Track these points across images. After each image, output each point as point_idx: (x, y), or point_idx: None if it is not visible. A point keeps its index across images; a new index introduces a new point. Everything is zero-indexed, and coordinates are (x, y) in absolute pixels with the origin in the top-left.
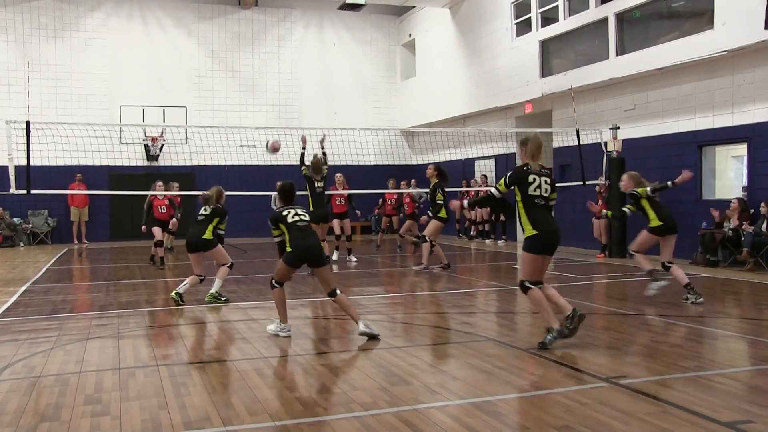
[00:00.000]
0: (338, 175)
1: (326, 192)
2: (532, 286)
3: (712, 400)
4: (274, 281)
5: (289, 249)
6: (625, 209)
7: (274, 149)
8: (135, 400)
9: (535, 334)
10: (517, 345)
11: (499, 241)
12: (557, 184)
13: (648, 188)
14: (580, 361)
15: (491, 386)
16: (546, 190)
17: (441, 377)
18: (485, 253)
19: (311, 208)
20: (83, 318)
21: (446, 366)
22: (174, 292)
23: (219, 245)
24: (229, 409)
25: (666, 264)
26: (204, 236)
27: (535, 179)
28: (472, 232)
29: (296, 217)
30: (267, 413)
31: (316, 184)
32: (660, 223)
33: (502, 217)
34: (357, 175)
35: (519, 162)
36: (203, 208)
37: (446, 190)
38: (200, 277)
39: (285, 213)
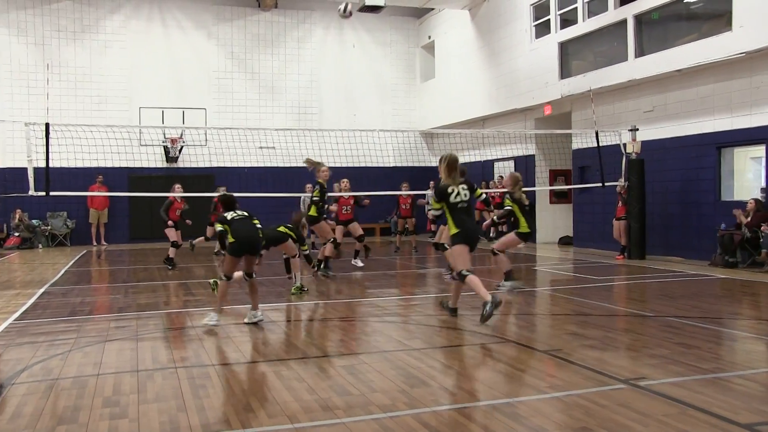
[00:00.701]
0: (344, 180)
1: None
2: (468, 273)
3: (731, 401)
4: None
5: (231, 240)
6: (507, 207)
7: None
8: (153, 402)
9: (555, 336)
10: (535, 347)
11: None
12: (577, 186)
13: (524, 196)
14: (599, 362)
15: (510, 388)
16: (465, 194)
17: (459, 379)
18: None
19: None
20: (102, 320)
21: (465, 368)
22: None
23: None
24: (248, 411)
25: (495, 251)
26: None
27: (453, 190)
28: (491, 234)
29: (235, 214)
30: (285, 415)
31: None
32: (528, 231)
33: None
34: (376, 176)
35: (536, 163)
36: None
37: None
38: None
39: (230, 217)
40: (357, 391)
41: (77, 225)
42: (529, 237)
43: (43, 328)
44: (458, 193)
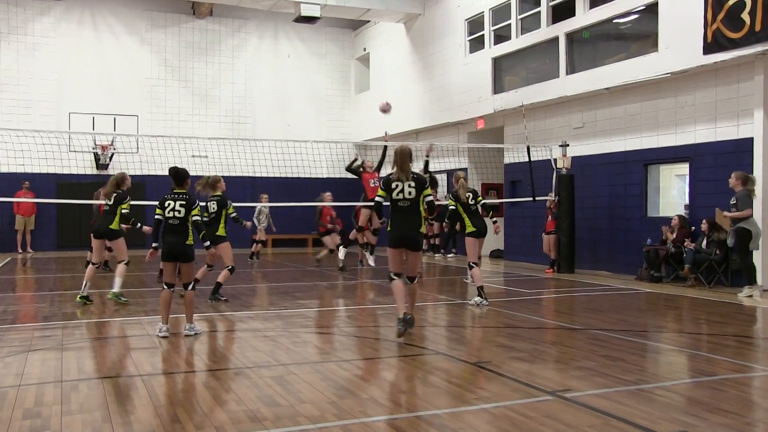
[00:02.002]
0: (327, 194)
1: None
2: (394, 278)
3: (652, 411)
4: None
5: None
6: (450, 206)
7: (384, 110)
8: (77, 413)
9: (484, 349)
10: (465, 359)
11: (448, 255)
12: (508, 200)
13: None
14: (527, 374)
15: (439, 399)
16: (410, 192)
17: (389, 390)
18: (435, 267)
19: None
20: (25, 329)
21: (394, 379)
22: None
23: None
24: (175, 422)
25: (471, 264)
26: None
27: (397, 185)
28: (423, 246)
29: (171, 213)
30: (213, 426)
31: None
32: (474, 228)
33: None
34: (309, 187)
35: (469, 177)
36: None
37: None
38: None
39: (166, 203)
40: (286, 402)
41: (2, 231)
42: (480, 234)
43: None
44: (401, 190)
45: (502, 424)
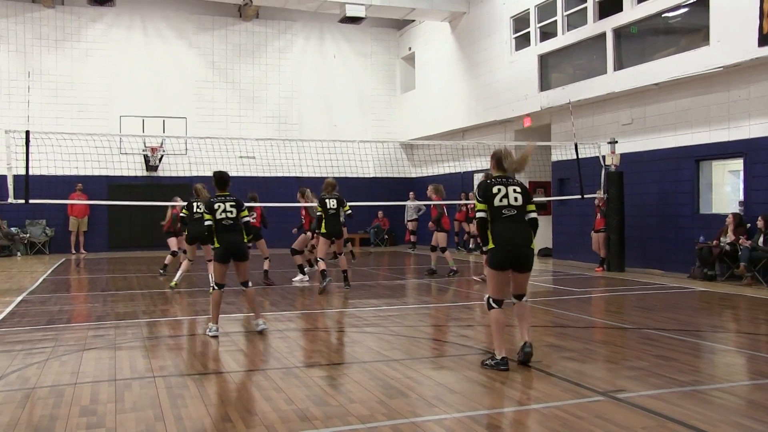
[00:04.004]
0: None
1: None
2: (494, 306)
3: (709, 414)
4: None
5: (216, 245)
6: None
7: None
8: (131, 411)
9: (534, 348)
10: (514, 358)
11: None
12: (556, 198)
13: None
14: (578, 374)
15: (489, 399)
16: (515, 198)
17: (438, 390)
18: (482, 266)
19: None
20: (80, 329)
21: (444, 379)
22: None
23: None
24: (226, 421)
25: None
26: None
27: (500, 189)
28: (470, 245)
29: (223, 214)
30: (264, 425)
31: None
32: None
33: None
34: (356, 187)
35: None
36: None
37: (446, 202)
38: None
39: (216, 206)
40: (335, 402)
41: (56, 233)
42: None
43: (21, 336)
44: (505, 195)
45: (552, 425)
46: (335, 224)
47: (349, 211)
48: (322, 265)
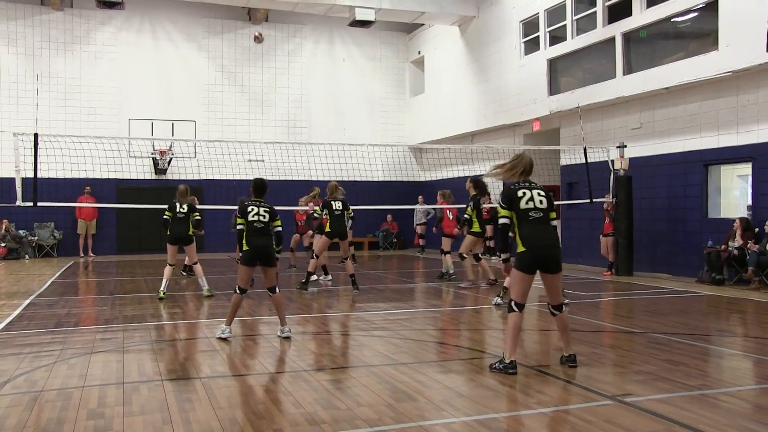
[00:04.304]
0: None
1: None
2: (516, 309)
3: (717, 418)
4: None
5: (245, 248)
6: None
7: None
8: (139, 415)
9: (543, 352)
10: (523, 362)
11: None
12: (565, 202)
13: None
14: (586, 378)
15: (497, 403)
16: (540, 201)
17: (447, 394)
18: (493, 270)
19: None
20: (88, 332)
21: (452, 382)
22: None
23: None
24: (234, 424)
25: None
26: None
27: (525, 193)
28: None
29: (255, 217)
30: (271, 429)
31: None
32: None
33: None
34: (365, 191)
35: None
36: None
37: (454, 206)
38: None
39: (249, 208)
40: (343, 405)
41: (64, 236)
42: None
43: (28, 339)
44: (531, 198)
45: (560, 429)
46: (340, 225)
47: (352, 215)
48: (313, 264)
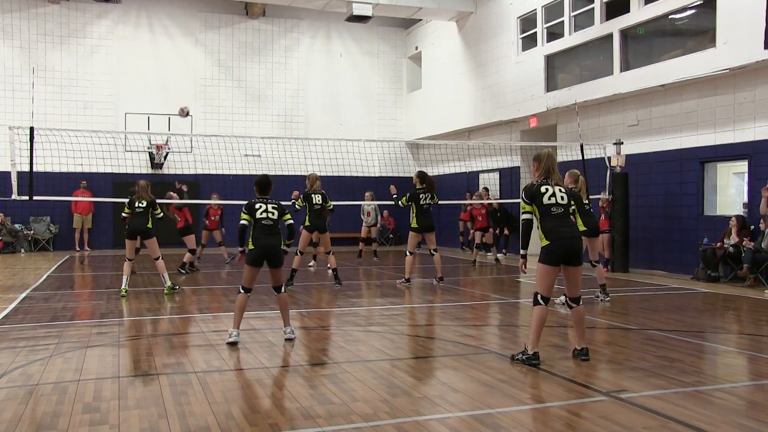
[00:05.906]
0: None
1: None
2: (541, 302)
3: (711, 414)
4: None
5: (251, 247)
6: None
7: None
8: (134, 408)
9: (538, 348)
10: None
11: (499, 255)
12: None
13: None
14: (581, 374)
15: (492, 399)
16: (562, 198)
17: (442, 389)
18: (487, 266)
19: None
20: (83, 326)
21: (447, 378)
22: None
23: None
24: (229, 418)
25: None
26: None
27: (548, 189)
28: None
29: (264, 214)
30: (267, 423)
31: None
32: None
33: (506, 232)
34: (362, 186)
35: (521, 175)
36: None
37: (450, 202)
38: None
39: (257, 206)
40: (339, 400)
41: (60, 230)
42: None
43: (24, 333)
44: (553, 194)
45: (556, 425)
46: (319, 218)
47: (332, 207)
48: (297, 260)
